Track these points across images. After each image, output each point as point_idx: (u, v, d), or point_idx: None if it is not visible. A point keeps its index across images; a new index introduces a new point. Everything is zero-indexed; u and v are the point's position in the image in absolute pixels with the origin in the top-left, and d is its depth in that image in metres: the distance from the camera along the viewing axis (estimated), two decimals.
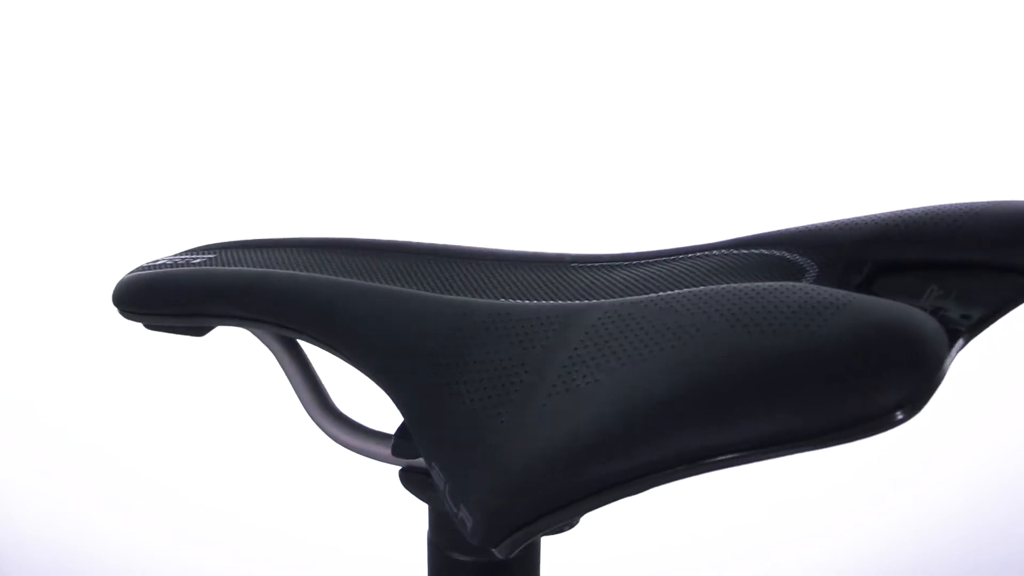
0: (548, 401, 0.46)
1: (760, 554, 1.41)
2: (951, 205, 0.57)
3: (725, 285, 0.48)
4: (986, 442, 1.42)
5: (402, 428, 0.60)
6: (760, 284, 0.47)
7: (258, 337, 0.67)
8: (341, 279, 0.60)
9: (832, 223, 0.60)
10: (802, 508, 1.42)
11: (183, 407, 1.42)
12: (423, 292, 0.56)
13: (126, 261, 1.41)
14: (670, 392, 0.43)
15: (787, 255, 0.58)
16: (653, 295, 0.49)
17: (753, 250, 0.60)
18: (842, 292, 0.45)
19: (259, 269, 0.64)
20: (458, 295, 0.58)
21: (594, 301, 0.52)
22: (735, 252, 0.61)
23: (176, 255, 0.70)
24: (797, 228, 0.60)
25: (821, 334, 0.43)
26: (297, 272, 0.62)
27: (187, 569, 1.39)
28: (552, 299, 0.57)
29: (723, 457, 0.42)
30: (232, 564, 1.39)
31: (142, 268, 0.67)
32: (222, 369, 1.40)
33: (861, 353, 0.42)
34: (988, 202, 0.57)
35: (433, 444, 0.49)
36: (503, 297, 0.58)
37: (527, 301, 0.54)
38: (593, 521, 1.33)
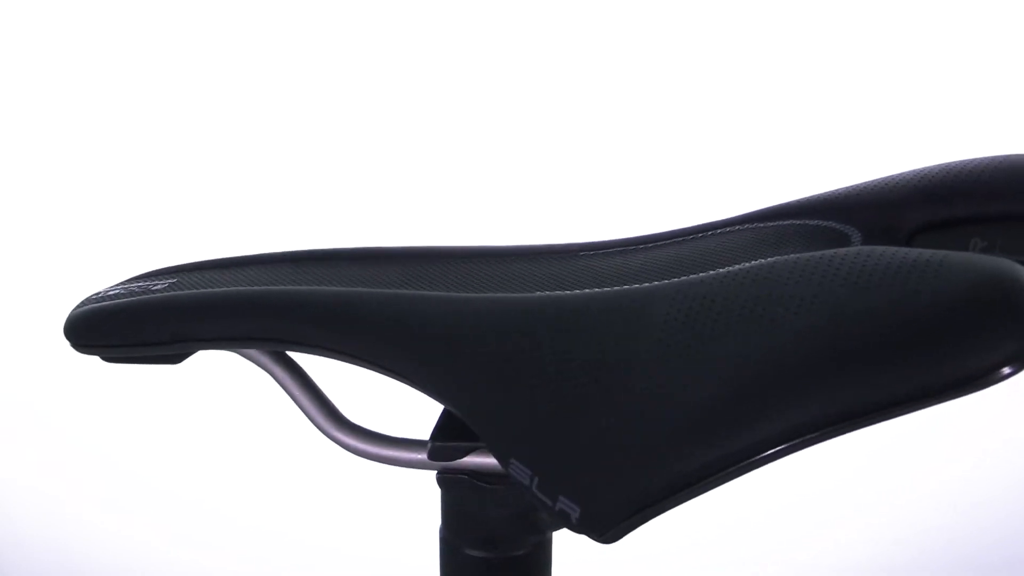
0: (650, 384, 0.47)
1: (760, 554, 1.41)
2: (979, 159, 0.58)
3: (804, 254, 0.48)
4: (986, 442, 1.42)
5: (438, 431, 0.59)
6: (839, 250, 0.48)
7: (247, 357, 0.63)
8: (359, 289, 0.58)
9: (861, 186, 0.60)
10: (801, 508, 1.42)
11: (183, 408, 1.42)
12: (453, 294, 0.55)
13: (127, 261, 1.41)
14: (805, 359, 0.44)
15: (824, 223, 0.58)
16: (718, 272, 0.49)
17: (783, 222, 0.60)
18: (929, 251, 0.46)
19: (250, 287, 0.60)
20: (482, 292, 0.58)
21: (647, 284, 0.51)
22: (765, 225, 0.60)
23: (126, 283, 0.65)
24: (823, 195, 0.60)
25: (929, 292, 0.44)
26: (298, 286, 0.59)
27: (187, 570, 1.39)
28: (590, 287, 0.57)
29: (865, 418, 0.44)
30: (232, 565, 1.39)
31: (94, 300, 0.62)
32: (222, 368, 1.40)
33: (973, 308, 0.43)
34: (1015, 154, 0.58)
35: (514, 441, 0.49)
36: (537, 290, 0.57)
37: (570, 291, 0.54)
38: None
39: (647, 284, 0.51)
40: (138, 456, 1.42)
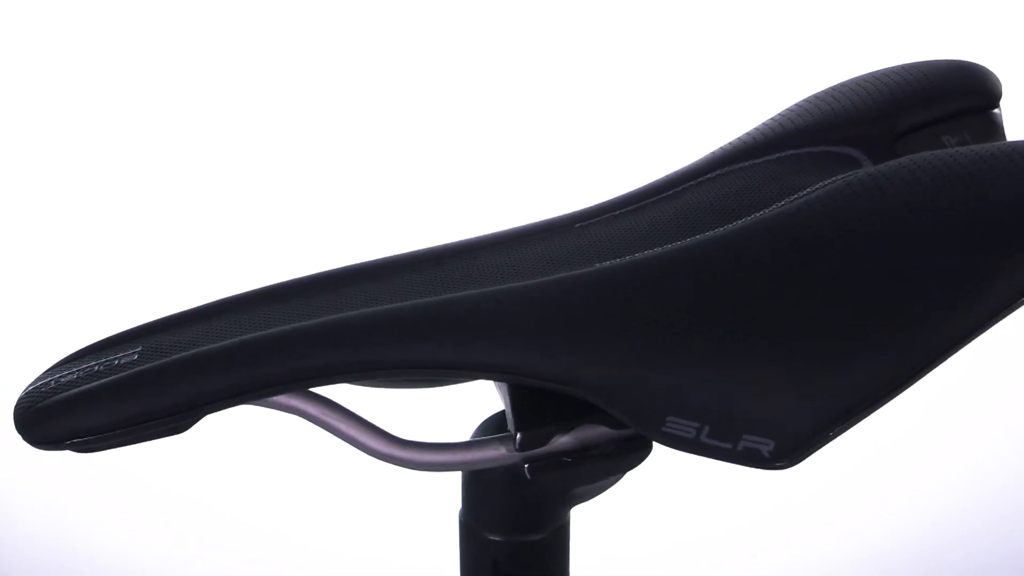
0: (797, 311, 0.51)
1: (759, 554, 1.41)
2: (911, 69, 0.62)
3: (871, 171, 0.52)
4: (986, 441, 1.43)
5: (516, 420, 0.58)
6: (903, 160, 0.52)
7: (272, 406, 0.58)
8: (439, 297, 0.55)
9: (828, 107, 0.61)
10: (800, 508, 1.43)
11: None
12: (527, 282, 0.55)
13: (126, 260, 1.41)
14: (929, 278, 0.50)
15: (817, 149, 0.59)
16: (794, 202, 0.53)
17: (779, 154, 0.60)
18: (976, 146, 0.52)
19: (264, 332, 0.54)
20: (533, 279, 0.56)
21: (698, 237, 0.53)
22: (765, 160, 0.60)
23: (67, 366, 0.57)
24: (796, 123, 0.61)
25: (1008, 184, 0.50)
26: (323, 318, 0.54)
27: (187, 570, 1.39)
28: (619, 255, 0.57)
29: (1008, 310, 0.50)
30: (233, 565, 1.39)
31: (45, 393, 0.54)
32: None
33: None
34: (943, 60, 0.62)
35: (667, 402, 0.52)
36: (596, 263, 0.57)
37: (620, 259, 0.55)
38: (591, 521, 1.33)
39: (732, 225, 0.53)
40: (138, 456, 1.42)
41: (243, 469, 1.41)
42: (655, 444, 0.57)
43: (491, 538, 0.62)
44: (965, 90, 0.61)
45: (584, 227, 0.60)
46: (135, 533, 1.40)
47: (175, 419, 0.53)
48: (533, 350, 0.53)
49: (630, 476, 1.41)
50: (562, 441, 0.57)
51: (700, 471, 1.39)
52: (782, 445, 0.52)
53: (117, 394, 0.53)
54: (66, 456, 1.45)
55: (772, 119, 0.62)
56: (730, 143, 0.62)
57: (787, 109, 0.62)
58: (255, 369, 0.53)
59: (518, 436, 0.57)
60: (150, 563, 1.39)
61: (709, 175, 0.60)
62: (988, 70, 0.62)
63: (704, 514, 1.41)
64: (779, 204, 0.54)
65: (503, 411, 0.61)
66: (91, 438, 0.54)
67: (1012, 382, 1.43)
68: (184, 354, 0.54)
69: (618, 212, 0.60)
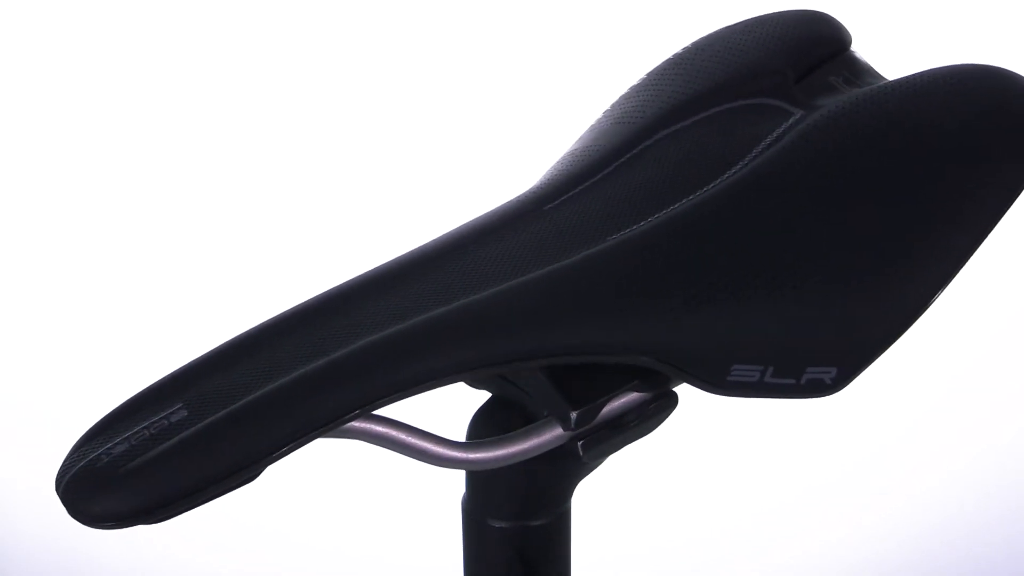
0: (832, 241, 0.54)
1: (759, 554, 1.41)
2: (768, 17, 0.65)
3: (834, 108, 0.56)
4: (986, 440, 1.43)
5: (563, 399, 0.58)
6: (858, 95, 0.57)
7: (345, 436, 0.55)
8: (505, 285, 0.55)
9: (728, 60, 0.62)
10: (799, 508, 1.43)
11: None
12: (558, 264, 0.55)
13: (127, 261, 1.41)
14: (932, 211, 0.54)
15: (747, 102, 0.61)
16: (794, 140, 0.56)
17: (708, 112, 0.61)
18: (902, 78, 0.56)
19: (323, 359, 0.52)
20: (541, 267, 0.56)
21: (704, 194, 0.56)
22: (693, 122, 0.61)
23: (114, 439, 0.52)
24: (714, 80, 0.62)
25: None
26: (384, 332, 0.53)
27: (188, 569, 1.39)
28: (639, 220, 0.57)
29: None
30: (233, 564, 1.39)
31: (98, 468, 0.50)
32: None
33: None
34: (786, 11, 0.65)
35: (730, 350, 0.55)
36: (608, 236, 0.57)
37: (641, 224, 0.56)
38: (591, 520, 1.33)
39: (734, 175, 0.56)
40: None
41: None
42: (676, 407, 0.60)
43: (494, 525, 0.62)
44: (826, 35, 0.64)
45: (556, 207, 0.60)
46: (135, 532, 1.40)
47: (248, 471, 0.52)
48: (603, 325, 0.54)
49: (629, 476, 1.41)
50: (604, 412, 0.58)
51: (700, 471, 1.39)
52: (844, 370, 0.55)
53: (188, 457, 0.50)
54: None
55: (668, 85, 0.63)
56: (649, 111, 0.62)
57: (674, 72, 0.63)
58: (326, 401, 0.52)
59: (573, 415, 0.57)
60: (150, 562, 1.39)
61: (647, 142, 0.61)
62: (829, 14, 0.65)
63: (703, 514, 1.41)
64: (760, 150, 0.57)
65: (488, 403, 0.62)
66: (166, 507, 0.51)
67: (1012, 382, 1.43)
68: (247, 401, 0.51)
69: (581, 187, 0.60)
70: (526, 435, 0.58)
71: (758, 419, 1.40)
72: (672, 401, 0.60)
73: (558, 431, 0.58)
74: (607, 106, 0.65)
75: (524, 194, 0.61)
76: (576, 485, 0.63)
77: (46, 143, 1.43)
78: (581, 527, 1.30)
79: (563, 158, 0.63)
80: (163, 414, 0.52)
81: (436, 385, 0.53)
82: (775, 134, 0.56)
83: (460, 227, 0.60)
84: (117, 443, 0.51)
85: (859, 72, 0.62)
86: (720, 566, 1.40)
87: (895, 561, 1.40)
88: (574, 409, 0.57)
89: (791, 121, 0.57)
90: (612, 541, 1.38)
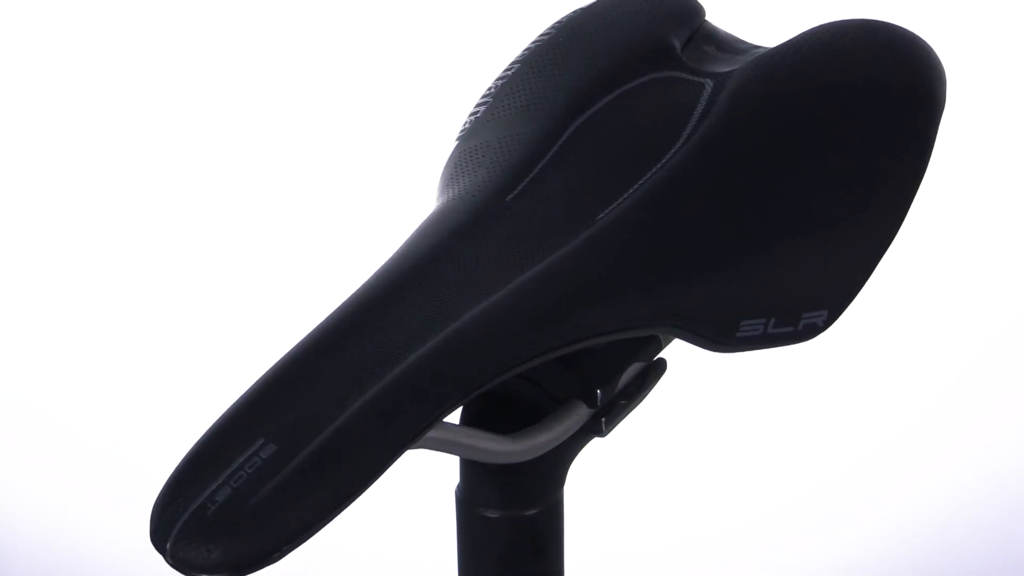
0: (797, 191, 0.58)
1: (759, 554, 1.41)
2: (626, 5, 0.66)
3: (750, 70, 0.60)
4: (986, 440, 1.43)
5: (586, 378, 0.60)
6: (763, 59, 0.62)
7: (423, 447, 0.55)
8: (512, 288, 0.56)
9: (624, 38, 0.64)
10: (800, 508, 1.42)
11: (184, 406, 1.42)
12: (557, 253, 0.57)
13: (127, 260, 1.41)
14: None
15: (654, 76, 0.63)
16: (720, 121, 0.59)
17: (623, 88, 0.62)
18: (798, 37, 0.60)
19: (403, 360, 0.53)
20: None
21: (672, 161, 0.59)
22: (617, 95, 0.62)
23: (210, 486, 0.51)
24: (621, 58, 0.63)
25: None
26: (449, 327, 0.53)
27: None
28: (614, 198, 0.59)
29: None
30: None
31: (215, 516, 0.49)
32: (223, 367, 1.40)
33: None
34: None
35: (737, 309, 0.58)
36: (596, 215, 0.58)
37: (626, 197, 0.58)
38: (591, 520, 1.32)
39: (690, 142, 0.59)
40: (139, 455, 1.42)
41: None
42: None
43: (488, 515, 0.62)
44: (687, 6, 0.66)
45: (519, 196, 0.60)
46: (136, 532, 1.40)
47: (364, 488, 0.52)
48: (629, 301, 0.56)
49: (630, 477, 1.41)
50: (624, 380, 0.61)
51: (700, 471, 1.39)
52: (833, 311, 0.59)
53: (306, 490, 0.50)
54: (65, 455, 1.44)
55: (566, 68, 0.64)
56: (560, 94, 0.63)
57: (564, 54, 0.64)
58: (406, 416, 0.52)
59: (599, 393, 0.59)
60: (151, 562, 1.39)
61: (578, 121, 0.61)
62: None
63: (703, 515, 1.41)
64: (696, 121, 0.59)
65: (485, 398, 0.60)
66: (291, 543, 0.50)
67: (1012, 382, 1.43)
68: (346, 419, 0.51)
69: (533, 174, 0.60)
70: (559, 419, 0.59)
71: (758, 419, 1.40)
72: (663, 366, 0.64)
73: (583, 410, 0.59)
74: (478, 98, 0.66)
75: (471, 190, 0.60)
76: (567, 473, 0.64)
77: (46, 143, 1.44)
78: (581, 527, 1.30)
79: (473, 151, 0.63)
80: (249, 452, 0.52)
81: (488, 386, 0.54)
82: (702, 103, 0.60)
83: (431, 231, 0.59)
84: (215, 489, 0.50)
85: (723, 40, 0.65)
86: (720, 566, 1.40)
87: (895, 561, 1.40)
88: (597, 387, 0.59)
89: (709, 90, 0.60)
90: (613, 541, 1.38)
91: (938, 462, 1.42)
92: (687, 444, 1.39)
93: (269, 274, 1.40)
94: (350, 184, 1.42)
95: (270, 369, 0.55)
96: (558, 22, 0.67)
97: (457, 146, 0.64)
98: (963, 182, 1.40)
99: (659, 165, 0.58)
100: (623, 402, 0.61)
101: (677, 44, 0.63)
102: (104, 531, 1.40)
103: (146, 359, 1.41)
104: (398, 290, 0.55)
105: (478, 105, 0.65)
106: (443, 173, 0.64)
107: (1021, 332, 1.42)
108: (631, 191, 0.58)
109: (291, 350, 0.55)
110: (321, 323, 0.56)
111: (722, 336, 0.59)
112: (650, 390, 0.63)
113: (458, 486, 0.63)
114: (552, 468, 0.62)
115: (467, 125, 0.65)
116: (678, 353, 1.36)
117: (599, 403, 0.60)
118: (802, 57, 0.60)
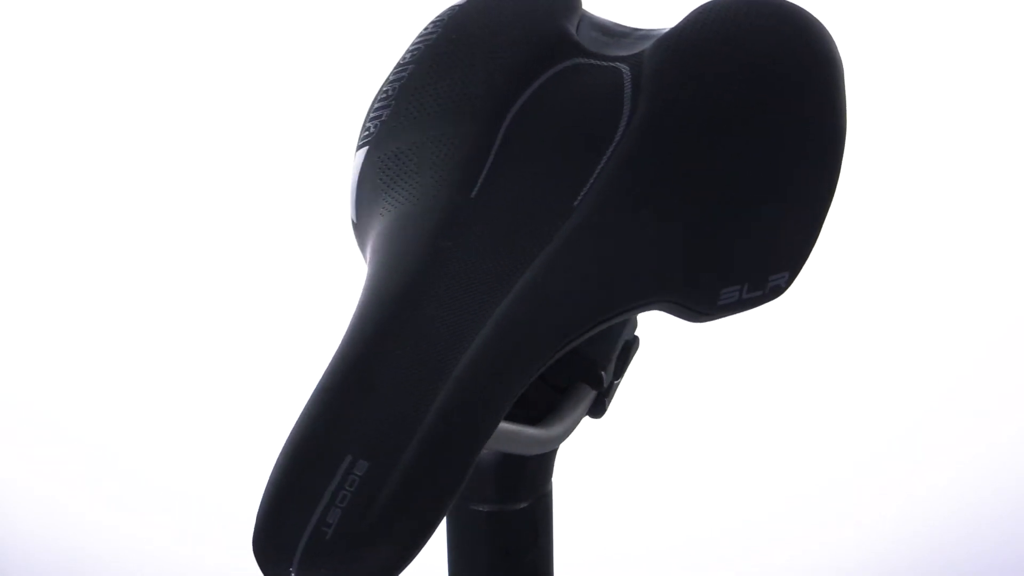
0: (752, 160, 0.61)
1: (759, 554, 1.41)
2: None
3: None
4: (986, 440, 1.43)
5: (593, 361, 0.62)
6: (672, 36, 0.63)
7: None
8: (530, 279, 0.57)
9: (520, 29, 0.65)
10: (798, 508, 1.42)
11: (184, 406, 1.42)
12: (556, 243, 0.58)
13: (127, 260, 1.42)
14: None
15: (571, 63, 0.64)
16: (656, 103, 0.61)
17: (554, 69, 0.63)
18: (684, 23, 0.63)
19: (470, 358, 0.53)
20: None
21: (628, 142, 0.61)
22: (551, 74, 0.63)
23: (314, 507, 0.51)
24: (530, 52, 0.64)
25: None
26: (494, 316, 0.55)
27: (188, 569, 1.39)
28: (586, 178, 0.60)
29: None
30: (233, 564, 1.39)
31: (339, 534, 0.50)
32: (223, 366, 1.40)
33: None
34: None
35: (718, 278, 0.61)
36: (572, 201, 0.60)
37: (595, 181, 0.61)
38: (591, 521, 1.32)
39: (630, 126, 0.60)
40: (138, 455, 1.42)
41: (244, 468, 1.41)
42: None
43: (477, 509, 0.62)
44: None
45: (482, 192, 0.60)
46: (136, 532, 1.40)
47: (465, 480, 0.52)
48: (636, 280, 0.59)
49: (630, 477, 1.41)
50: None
51: (700, 472, 1.39)
52: (792, 271, 0.62)
53: (413, 493, 0.51)
54: (65, 455, 1.44)
55: (487, 64, 0.64)
56: (481, 88, 0.63)
57: (469, 47, 0.65)
58: (486, 406, 0.53)
59: (604, 374, 0.62)
60: (151, 562, 1.39)
61: (512, 111, 0.62)
62: None
63: (703, 515, 1.41)
64: (630, 108, 0.61)
65: None
66: (415, 548, 0.50)
67: (1012, 382, 1.43)
68: (430, 421, 0.52)
69: (487, 169, 0.61)
70: (573, 404, 0.61)
71: (758, 419, 1.40)
72: (639, 342, 0.65)
73: (590, 393, 0.61)
74: (376, 102, 0.66)
75: (428, 190, 0.60)
76: (554, 465, 0.64)
77: (46, 143, 1.44)
78: (582, 528, 1.31)
79: (399, 154, 0.63)
80: (341, 471, 0.51)
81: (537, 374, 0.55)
82: (628, 87, 0.61)
83: (413, 232, 0.59)
84: (323, 512, 0.50)
85: (604, 26, 0.67)
86: (720, 566, 1.40)
87: (895, 561, 1.40)
88: (601, 369, 0.61)
89: (628, 74, 0.62)
90: (613, 541, 1.38)
91: (938, 462, 1.42)
92: (687, 444, 1.39)
93: (269, 274, 1.41)
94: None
95: (322, 384, 0.54)
96: (438, 21, 0.66)
97: (368, 151, 0.63)
98: (963, 182, 1.40)
99: (611, 149, 0.59)
100: (616, 381, 0.63)
101: (573, 32, 0.64)
102: (104, 531, 1.40)
103: (146, 359, 1.41)
104: (417, 289, 0.56)
105: (378, 109, 0.65)
106: (363, 176, 0.63)
107: (1021, 332, 1.42)
108: (595, 176, 0.59)
109: (335, 361, 0.54)
110: (352, 332, 0.55)
111: (707, 306, 0.61)
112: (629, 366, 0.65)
113: None
114: (544, 460, 0.63)
115: (371, 130, 0.64)
116: (679, 352, 1.36)
117: (605, 384, 0.61)
118: (710, 34, 0.62)
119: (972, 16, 1.39)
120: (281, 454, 0.53)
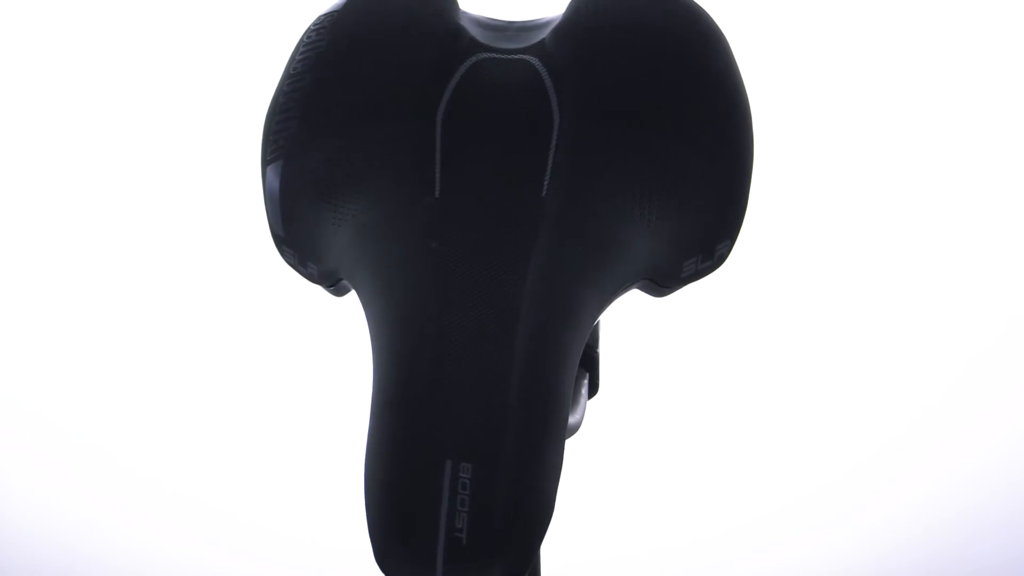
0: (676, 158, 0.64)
1: (759, 554, 1.41)
2: None
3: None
4: (986, 441, 1.43)
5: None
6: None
7: None
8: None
9: (415, 32, 0.66)
10: (799, 508, 1.43)
11: (184, 406, 1.42)
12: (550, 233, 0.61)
13: (127, 261, 1.42)
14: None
15: (477, 59, 0.65)
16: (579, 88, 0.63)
17: (462, 69, 0.64)
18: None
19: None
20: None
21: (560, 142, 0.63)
22: (459, 81, 0.64)
23: (436, 507, 0.53)
24: (440, 51, 0.65)
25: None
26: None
27: (188, 569, 1.39)
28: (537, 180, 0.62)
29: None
30: (233, 564, 1.39)
31: (481, 533, 0.53)
32: (223, 367, 1.40)
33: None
34: None
35: (679, 254, 0.63)
36: (540, 192, 0.62)
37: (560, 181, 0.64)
38: (589, 520, 1.32)
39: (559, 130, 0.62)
40: (138, 455, 1.42)
41: (245, 466, 1.42)
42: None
43: None
44: None
45: (446, 188, 0.60)
46: (137, 532, 1.40)
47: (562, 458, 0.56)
48: (625, 261, 0.61)
49: (630, 477, 1.41)
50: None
51: (700, 472, 1.39)
52: (731, 239, 0.65)
53: (527, 483, 0.54)
54: (65, 455, 1.44)
55: (392, 67, 0.65)
56: (405, 89, 0.64)
57: (384, 53, 0.66)
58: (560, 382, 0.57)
59: (594, 358, 0.65)
60: (151, 562, 1.39)
61: (440, 112, 0.63)
62: None
63: (703, 515, 1.42)
64: (554, 99, 0.62)
65: None
66: (544, 530, 0.54)
67: (1012, 382, 1.43)
68: (515, 410, 0.54)
69: (439, 169, 0.61)
70: (580, 387, 0.63)
71: (758, 419, 1.40)
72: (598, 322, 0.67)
73: (585, 373, 0.64)
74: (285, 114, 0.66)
75: (391, 195, 0.61)
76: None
77: (46, 144, 1.44)
78: (581, 528, 1.30)
79: (332, 162, 0.63)
80: (447, 478, 0.53)
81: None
82: (546, 77, 0.63)
83: (405, 233, 0.60)
84: (447, 520, 0.52)
85: (482, 21, 0.68)
86: (720, 566, 1.40)
87: (895, 561, 1.40)
88: (592, 352, 0.65)
89: (538, 64, 0.64)
90: (613, 541, 1.38)
91: (938, 462, 1.42)
92: (687, 444, 1.39)
93: (269, 275, 1.41)
94: None
95: (387, 397, 0.55)
96: (320, 28, 0.66)
97: (284, 164, 0.63)
98: (962, 183, 1.40)
99: (554, 138, 0.61)
100: (595, 353, 0.66)
101: (467, 28, 0.65)
102: (104, 531, 1.40)
103: (146, 360, 1.41)
104: (431, 295, 0.57)
105: (280, 122, 0.64)
106: (286, 189, 0.63)
107: (1021, 332, 1.42)
108: (550, 166, 0.60)
109: (389, 375, 0.56)
110: (391, 347, 0.56)
111: (672, 280, 0.64)
112: None
113: None
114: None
115: (279, 143, 0.64)
116: (679, 353, 1.36)
117: (596, 367, 0.65)
118: (606, 22, 0.65)
119: (972, 16, 1.39)
120: (374, 468, 0.54)
